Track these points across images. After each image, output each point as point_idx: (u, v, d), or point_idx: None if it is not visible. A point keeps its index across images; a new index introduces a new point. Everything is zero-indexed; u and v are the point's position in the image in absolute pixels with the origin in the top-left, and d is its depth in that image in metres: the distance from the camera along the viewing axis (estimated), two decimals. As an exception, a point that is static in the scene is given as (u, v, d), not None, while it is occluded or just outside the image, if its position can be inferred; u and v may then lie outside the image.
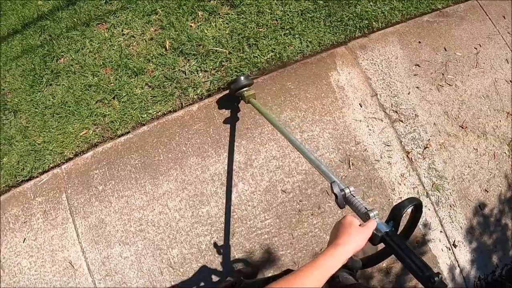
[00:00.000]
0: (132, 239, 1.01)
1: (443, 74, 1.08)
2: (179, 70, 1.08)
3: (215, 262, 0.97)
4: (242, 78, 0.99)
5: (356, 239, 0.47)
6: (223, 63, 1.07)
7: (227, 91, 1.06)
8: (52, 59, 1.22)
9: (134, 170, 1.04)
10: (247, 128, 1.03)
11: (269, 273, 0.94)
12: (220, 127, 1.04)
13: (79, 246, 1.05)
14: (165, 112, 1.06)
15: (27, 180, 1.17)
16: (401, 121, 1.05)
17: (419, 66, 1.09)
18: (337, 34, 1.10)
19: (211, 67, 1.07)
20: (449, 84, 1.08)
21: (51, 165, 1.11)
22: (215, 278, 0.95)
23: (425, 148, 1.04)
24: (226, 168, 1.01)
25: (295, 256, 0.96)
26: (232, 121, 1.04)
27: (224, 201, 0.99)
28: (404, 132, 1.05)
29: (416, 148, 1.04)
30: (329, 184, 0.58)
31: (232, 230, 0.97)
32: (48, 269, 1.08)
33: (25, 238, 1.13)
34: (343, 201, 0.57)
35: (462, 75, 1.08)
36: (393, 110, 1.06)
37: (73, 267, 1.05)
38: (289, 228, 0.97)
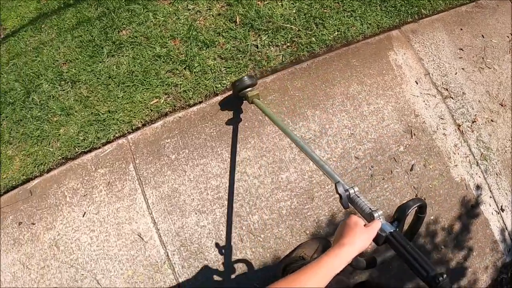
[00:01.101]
0: (209, 207, 1.03)
1: (482, 58, 1.25)
2: (251, 44, 1.14)
3: (296, 226, 1.02)
4: (246, 78, 1.04)
5: (361, 239, 0.48)
6: (293, 39, 1.16)
7: (298, 64, 1.14)
8: (113, 31, 1.23)
9: (209, 139, 1.08)
10: (320, 99, 1.11)
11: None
12: (294, 98, 1.11)
13: (149, 217, 1.05)
14: (214, 94, 1.11)
15: (88, 152, 1.14)
16: (451, 97, 1.20)
17: (462, 50, 1.26)
18: (392, 18, 1.24)
19: (282, 43, 1.16)
20: (488, 67, 1.25)
21: (116, 135, 1.11)
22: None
23: (473, 122, 1.19)
24: (302, 136, 1.08)
25: None
26: (304, 92, 1.12)
27: (302, 167, 1.05)
28: (454, 108, 1.20)
29: (465, 122, 1.19)
30: (333, 185, 0.60)
31: (311, 195, 1.03)
32: (112, 243, 1.06)
33: (85, 212, 1.11)
34: (348, 201, 0.58)
35: (499, 59, 1.27)
36: (443, 87, 1.20)
37: (143, 239, 1.04)
38: (364, 192, 1.06)
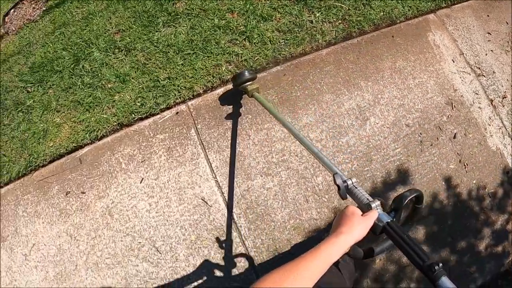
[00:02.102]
0: (274, 169, 1.10)
1: (508, 42, 1.45)
2: (306, 19, 1.25)
3: None
4: (246, 72, 1.10)
5: (358, 228, 0.51)
6: (345, 17, 1.29)
7: (349, 40, 1.25)
8: (168, 3, 1.31)
9: (252, 114, 1.15)
10: (371, 72, 1.23)
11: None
12: (348, 70, 1.23)
13: (213, 181, 1.10)
14: (297, 55, 1.22)
15: (145, 118, 1.18)
16: (483, 75, 1.37)
17: (490, 34, 1.44)
18: (428, 3, 1.42)
19: (334, 20, 1.28)
20: None
21: (177, 101, 1.16)
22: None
23: (503, 98, 1.36)
24: (358, 104, 1.19)
25: (422, 180, 1.16)
26: (356, 65, 1.23)
27: (360, 132, 1.15)
28: (486, 84, 1.37)
29: (496, 97, 1.36)
30: (332, 176, 0.63)
31: (369, 158, 1.13)
32: (174, 209, 1.10)
33: (142, 178, 1.14)
34: (346, 192, 0.61)
35: (520, 44, 1.46)
36: (476, 66, 1.37)
37: (207, 203, 1.09)
38: (414, 157, 1.17)
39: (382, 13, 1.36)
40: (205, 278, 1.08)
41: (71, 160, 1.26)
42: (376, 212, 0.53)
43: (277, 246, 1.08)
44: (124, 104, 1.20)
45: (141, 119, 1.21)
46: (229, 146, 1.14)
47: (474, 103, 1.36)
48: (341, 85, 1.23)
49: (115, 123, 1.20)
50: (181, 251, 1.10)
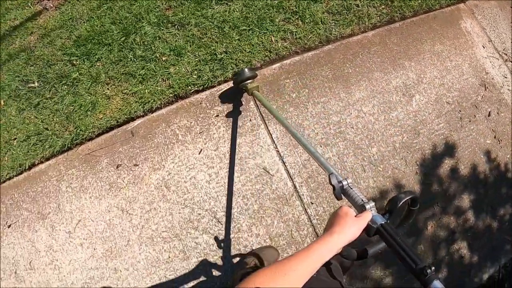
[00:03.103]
0: (332, 140, 1.20)
1: None
2: (352, 3, 1.38)
3: (408, 158, 1.24)
4: (246, 70, 1.17)
5: (351, 229, 0.53)
6: (387, 2, 1.45)
7: (392, 24, 1.39)
8: None
9: (326, 80, 1.26)
10: (413, 53, 1.38)
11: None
12: (393, 51, 1.37)
13: (274, 151, 1.18)
14: (346, 35, 1.35)
15: (201, 90, 1.24)
16: (510, 61, 1.54)
17: None
18: None
19: (378, 4, 1.44)
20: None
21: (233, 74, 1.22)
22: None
23: None
24: (404, 82, 1.33)
25: (463, 153, 1.32)
26: (400, 47, 1.37)
27: (407, 107, 1.28)
28: None
29: None
30: (327, 176, 0.66)
31: (417, 131, 1.25)
32: (235, 179, 1.17)
33: (201, 149, 1.20)
34: (341, 193, 0.64)
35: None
36: (503, 53, 1.57)
37: (269, 173, 1.16)
38: (456, 132, 1.32)
39: (419, 1, 1.53)
40: (266, 243, 1.13)
41: (121, 132, 1.29)
42: (370, 214, 0.55)
43: None
44: (181, 77, 1.26)
45: (198, 91, 1.27)
46: (290, 117, 1.24)
47: (503, 85, 1.55)
48: (388, 64, 1.37)
49: (171, 95, 1.25)
50: (243, 221, 1.15)
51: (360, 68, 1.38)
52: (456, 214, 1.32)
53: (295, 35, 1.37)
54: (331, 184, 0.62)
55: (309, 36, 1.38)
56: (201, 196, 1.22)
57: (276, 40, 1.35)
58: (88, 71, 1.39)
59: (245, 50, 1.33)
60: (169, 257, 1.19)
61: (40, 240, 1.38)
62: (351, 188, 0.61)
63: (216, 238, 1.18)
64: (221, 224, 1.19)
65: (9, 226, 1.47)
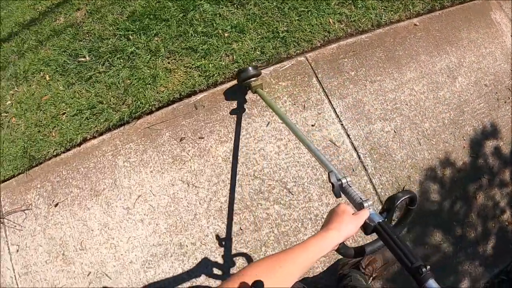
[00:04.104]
0: (390, 115, 1.34)
1: None
2: None
3: (456, 133, 1.41)
4: (250, 68, 1.27)
5: (348, 226, 0.56)
6: None
7: (433, 12, 1.57)
8: None
9: (380, 61, 1.41)
10: (453, 40, 1.56)
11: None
12: (436, 37, 1.56)
13: (339, 125, 1.30)
14: (394, 21, 1.53)
15: (265, 67, 1.33)
16: None
17: None
18: None
19: None
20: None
21: (297, 52, 1.35)
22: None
23: None
24: (447, 65, 1.53)
25: (502, 130, 1.55)
26: (441, 33, 1.55)
27: (452, 88, 1.45)
28: None
29: None
30: (327, 174, 0.69)
31: (462, 110, 1.42)
32: (303, 150, 1.27)
33: (269, 122, 1.30)
34: (340, 191, 0.67)
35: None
36: None
37: (335, 144, 1.27)
38: (495, 111, 1.53)
39: (453, -7, 1.75)
40: None
41: (184, 106, 1.35)
42: (367, 212, 0.58)
43: (399, 183, 1.30)
44: (245, 52, 1.36)
45: (261, 67, 1.35)
46: (350, 93, 1.38)
47: (530, 72, 1.78)
48: (432, 49, 1.55)
49: (235, 69, 1.32)
50: (313, 191, 1.24)
51: (409, 51, 1.56)
52: (500, 186, 1.52)
53: (350, 18, 1.53)
54: (330, 182, 0.66)
55: (362, 20, 1.53)
56: (271, 168, 1.30)
57: (334, 22, 1.50)
58: (146, 46, 1.45)
59: (305, 30, 1.46)
60: (240, 229, 1.24)
61: (93, 218, 1.38)
62: (350, 186, 0.65)
63: (287, 208, 1.25)
64: (292, 194, 1.27)
65: (56, 205, 1.45)
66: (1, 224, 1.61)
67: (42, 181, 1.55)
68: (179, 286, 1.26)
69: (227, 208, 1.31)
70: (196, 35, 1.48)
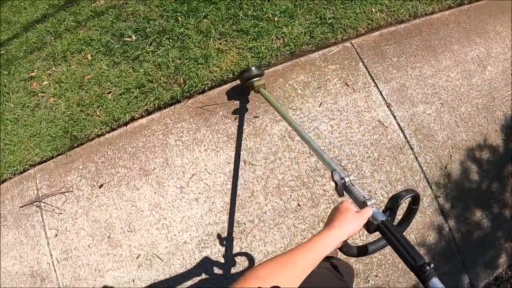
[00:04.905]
0: (430, 99, 1.49)
1: None
2: None
3: (488, 117, 1.62)
4: (253, 68, 1.36)
5: (351, 224, 0.58)
6: None
7: (462, 6, 1.75)
8: None
9: (418, 49, 1.58)
10: (481, 31, 1.78)
11: None
12: (465, 28, 1.77)
13: (385, 107, 1.43)
14: (429, 13, 1.72)
15: (314, 51, 1.44)
16: None
17: None
18: None
19: None
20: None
21: (343, 38, 1.47)
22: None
23: None
24: (477, 55, 1.72)
25: None
26: (470, 25, 1.72)
27: (483, 75, 1.62)
28: None
29: None
30: (330, 172, 0.72)
31: (492, 96, 1.59)
32: (355, 129, 1.38)
33: (321, 103, 1.40)
34: (343, 189, 0.70)
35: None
36: None
37: (383, 125, 1.40)
38: None
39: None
40: (385, 191, 1.32)
41: (236, 85, 1.41)
42: (370, 210, 0.61)
43: (442, 162, 1.44)
44: (294, 37, 1.47)
45: (311, 51, 1.46)
46: (394, 78, 1.52)
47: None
48: (463, 39, 1.73)
49: (287, 52, 1.45)
50: (366, 168, 1.35)
51: (443, 41, 1.74)
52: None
53: (390, 8, 1.70)
54: (333, 180, 0.69)
55: (401, 10, 1.70)
56: (326, 145, 1.40)
57: (375, 11, 1.65)
58: (196, 27, 1.52)
59: (350, 17, 1.60)
60: (298, 205, 1.31)
61: (143, 199, 1.40)
62: (353, 185, 0.68)
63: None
64: (347, 171, 1.37)
65: (100, 186, 1.46)
66: (38, 208, 1.59)
67: (84, 162, 1.55)
68: (238, 264, 1.32)
69: (284, 185, 1.39)
70: (246, 18, 1.58)
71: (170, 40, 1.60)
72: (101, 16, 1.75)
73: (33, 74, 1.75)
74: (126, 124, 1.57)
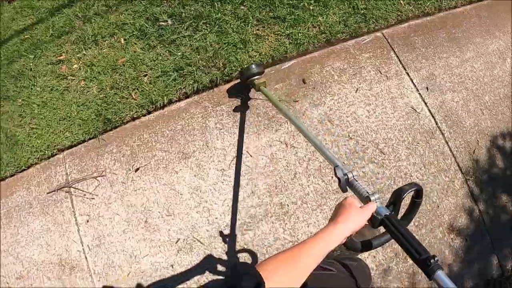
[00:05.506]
0: (457, 88, 1.63)
1: None
2: None
3: (510, 107, 1.69)
4: (253, 66, 1.43)
5: (355, 219, 0.61)
6: None
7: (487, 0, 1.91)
8: None
9: (444, 41, 1.72)
10: (501, 26, 1.95)
11: None
12: (486, 22, 1.94)
13: (417, 94, 1.55)
14: (452, 7, 1.88)
15: (348, 39, 1.54)
16: None
17: None
18: None
19: None
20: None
21: (376, 28, 1.58)
22: None
23: None
24: (497, 48, 1.92)
25: None
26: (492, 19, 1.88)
27: (503, 67, 1.77)
28: None
29: None
30: (333, 168, 0.75)
31: None
32: (390, 115, 1.49)
33: (357, 88, 1.49)
34: (346, 185, 0.72)
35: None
36: None
37: (416, 111, 1.51)
38: None
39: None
40: (420, 174, 1.41)
41: (275, 71, 1.51)
42: (374, 205, 0.63)
43: (470, 147, 1.57)
44: (329, 25, 1.58)
45: (345, 39, 1.55)
46: (423, 67, 1.68)
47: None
48: (484, 33, 1.89)
49: (323, 40, 1.55)
50: (402, 151, 1.45)
51: (466, 34, 1.89)
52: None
53: (417, 1, 1.84)
54: (336, 176, 0.72)
55: (427, 4, 1.86)
56: (363, 130, 1.50)
57: (404, 4, 1.79)
58: (233, 13, 1.60)
59: (381, 8, 1.73)
60: None
61: (182, 182, 1.43)
62: (356, 181, 0.71)
63: (380, 167, 1.42)
64: (384, 154, 1.46)
65: (136, 170, 1.48)
66: (67, 194, 1.57)
67: (118, 146, 1.57)
68: (282, 247, 1.37)
69: (326, 167, 1.46)
70: (282, 6, 1.68)
71: (207, 25, 1.67)
72: (133, 1, 1.79)
73: (61, 57, 1.79)
74: (163, 107, 1.62)
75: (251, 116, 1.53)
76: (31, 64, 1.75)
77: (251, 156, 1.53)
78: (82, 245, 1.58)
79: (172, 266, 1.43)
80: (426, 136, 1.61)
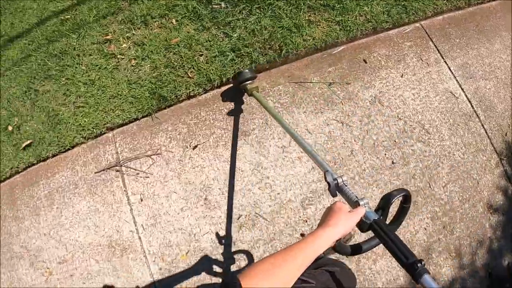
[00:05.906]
0: (488, 76, 2.07)
1: None
2: None
3: None
4: (247, 71, 1.63)
5: (344, 223, 0.69)
6: None
7: (495, 1, 2.38)
8: None
9: (474, 33, 2.15)
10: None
11: None
12: (510, 17, 2.30)
13: (454, 80, 1.91)
14: (479, 2, 2.24)
15: (391, 29, 1.90)
16: None
17: None
18: None
19: None
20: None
21: (415, 19, 1.96)
22: None
23: None
24: (501, 48, 2.25)
25: None
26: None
27: None
28: None
29: None
30: (323, 173, 0.83)
31: None
32: (432, 98, 1.83)
33: (402, 74, 1.83)
34: (336, 190, 0.81)
35: None
36: None
37: (454, 96, 1.87)
38: None
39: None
40: (461, 153, 1.74)
41: (327, 55, 1.79)
42: (363, 209, 0.71)
43: (503, 130, 1.91)
44: (375, 15, 1.88)
45: (388, 28, 1.89)
46: (458, 56, 1.96)
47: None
48: (509, 26, 2.31)
49: (370, 28, 1.85)
50: (444, 132, 1.76)
51: (493, 27, 2.29)
52: None
53: None
54: (326, 181, 0.81)
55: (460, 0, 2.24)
56: (410, 111, 1.80)
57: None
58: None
59: (419, 1, 2.07)
60: (392, 163, 1.67)
61: (243, 159, 1.64)
62: (346, 186, 0.80)
63: (427, 146, 1.74)
64: (429, 134, 1.77)
65: (194, 148, 1.66)
66: (118, 173, 1.70)
67: (174, 124, 1.74)
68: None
69: (379, 145, 1.74)
70: (331, -5, 1.99)
71: (261, 10, 1.91)
72: (184, -17, 2.03)
73: (108, 37, 1.93)
74: (219, 86, 1.83)
75: (308, 97, 1.75)
76: (74, 43, 1.91)
77: (310, 133, 1.77)
78: (136, 225, 1.71)
79: (234, 243, 1.60)
80: (464, 119, 1.91)
